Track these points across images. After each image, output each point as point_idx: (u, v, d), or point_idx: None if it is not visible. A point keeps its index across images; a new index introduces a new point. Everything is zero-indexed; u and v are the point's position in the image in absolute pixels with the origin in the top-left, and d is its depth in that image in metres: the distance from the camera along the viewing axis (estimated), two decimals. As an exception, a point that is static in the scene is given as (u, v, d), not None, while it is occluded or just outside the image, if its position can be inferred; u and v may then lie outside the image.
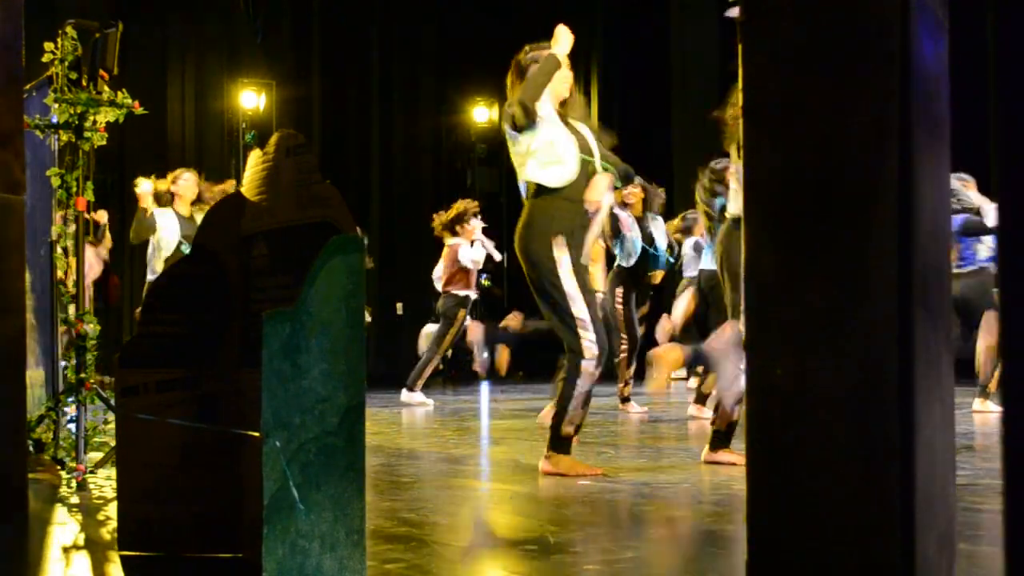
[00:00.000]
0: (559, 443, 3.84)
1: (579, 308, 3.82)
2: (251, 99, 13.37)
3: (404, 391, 8.31)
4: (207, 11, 13.25)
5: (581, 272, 3.89)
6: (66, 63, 4.06)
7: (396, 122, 14.87)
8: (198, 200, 6.64)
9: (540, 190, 3.90)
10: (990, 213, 6.36)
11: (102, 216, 7.34)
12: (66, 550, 2.61)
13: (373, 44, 14.76)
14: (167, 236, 6.48)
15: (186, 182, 6.66)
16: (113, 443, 3.43)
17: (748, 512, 1.76)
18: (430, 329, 8.94)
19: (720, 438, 4.07)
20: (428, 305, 10.49)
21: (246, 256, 2.54)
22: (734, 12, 1.74)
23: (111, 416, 4.09)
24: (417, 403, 8.19)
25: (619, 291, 7.17)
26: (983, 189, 6.61)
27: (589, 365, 3.80)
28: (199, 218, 6.14)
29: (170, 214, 6.57)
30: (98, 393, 4.09)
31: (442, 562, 2.41)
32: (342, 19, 14.40)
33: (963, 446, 4.46)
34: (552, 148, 3.89)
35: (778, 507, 1.72)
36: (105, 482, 3.74)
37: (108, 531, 2.84)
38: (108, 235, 7.69)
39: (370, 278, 10.94)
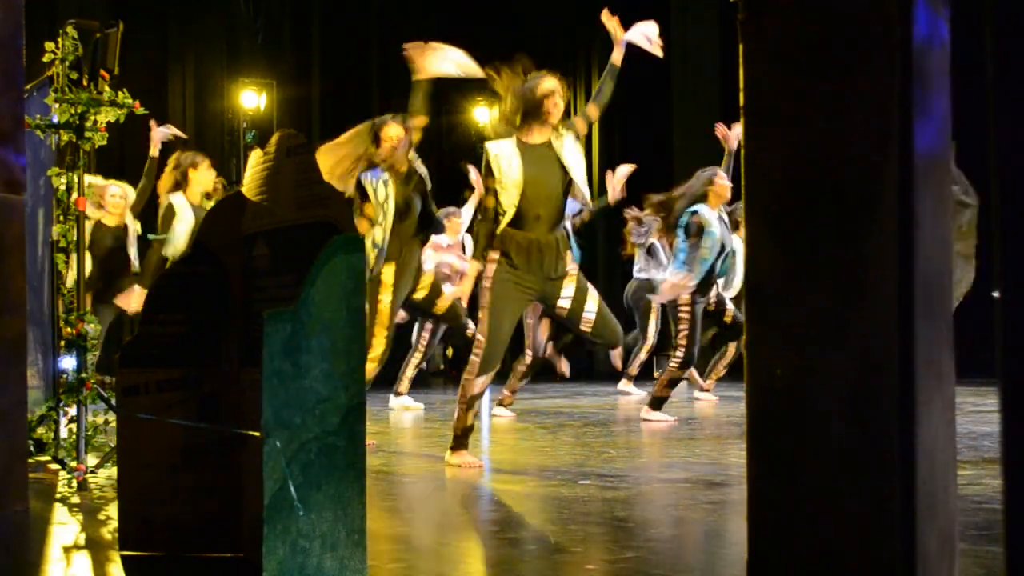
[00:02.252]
0: None
1: None
2: (251, 99, 13.36)
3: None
4: (207, 11, 13.24)
5: None
6: (67, 63, 4.05)
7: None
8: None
9: None
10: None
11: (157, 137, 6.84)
12: (67, 550, 2.61)
13: (373, 44, 14.75)
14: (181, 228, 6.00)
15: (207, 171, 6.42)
16: (113, 443, 3.43)
17: (748, 512, 1.76)
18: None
19: None
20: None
21: (246, 256, 2.54)
22: None
23: (111, 416, 4.09)
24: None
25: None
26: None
27: None
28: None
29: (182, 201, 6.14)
30: (98, 393, 4.09)
31: (442, 562, 2.41)
32: (342, 19, 14.39)
33: (964, 446, 4.46)
34: None
35: (778, 507, 1.72)
36: (105, 482, 3.74)
37: (109, 531, 2.84)
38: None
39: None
